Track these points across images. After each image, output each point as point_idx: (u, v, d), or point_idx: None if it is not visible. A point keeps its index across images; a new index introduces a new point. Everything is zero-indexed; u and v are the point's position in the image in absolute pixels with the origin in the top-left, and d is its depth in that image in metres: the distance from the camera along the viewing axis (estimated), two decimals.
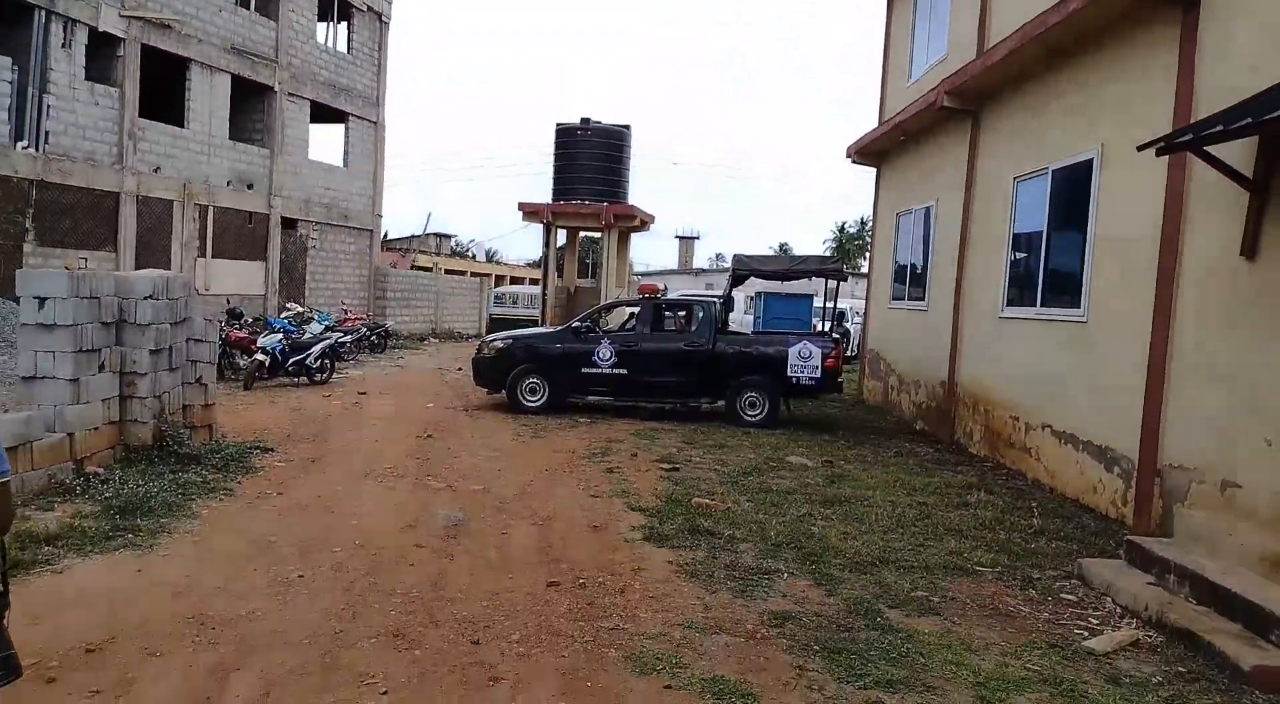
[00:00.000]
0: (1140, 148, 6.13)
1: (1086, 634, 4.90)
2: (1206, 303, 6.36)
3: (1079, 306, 7.94)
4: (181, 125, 19.62)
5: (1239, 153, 6.00)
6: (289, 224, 22.59)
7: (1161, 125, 6.85)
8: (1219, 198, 6.26)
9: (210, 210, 20.13)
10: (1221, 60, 6.40)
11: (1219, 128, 5.42)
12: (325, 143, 37.51)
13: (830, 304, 13.28)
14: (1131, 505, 7.01)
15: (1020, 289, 9.26)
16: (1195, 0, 6.68)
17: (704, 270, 53.87)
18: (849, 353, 22.04)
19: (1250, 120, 5.16)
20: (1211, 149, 5.91)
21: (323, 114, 23.90)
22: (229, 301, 18.64)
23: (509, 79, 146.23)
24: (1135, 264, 7.16)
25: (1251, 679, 4.26)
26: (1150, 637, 4.86)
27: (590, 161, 25.63)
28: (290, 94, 22.07)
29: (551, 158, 26.67)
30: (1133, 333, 7.12)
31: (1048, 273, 8.61)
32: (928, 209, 12.40)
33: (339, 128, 24.94)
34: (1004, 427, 9.33)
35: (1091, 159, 7.90)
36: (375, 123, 25.32)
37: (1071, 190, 8.25)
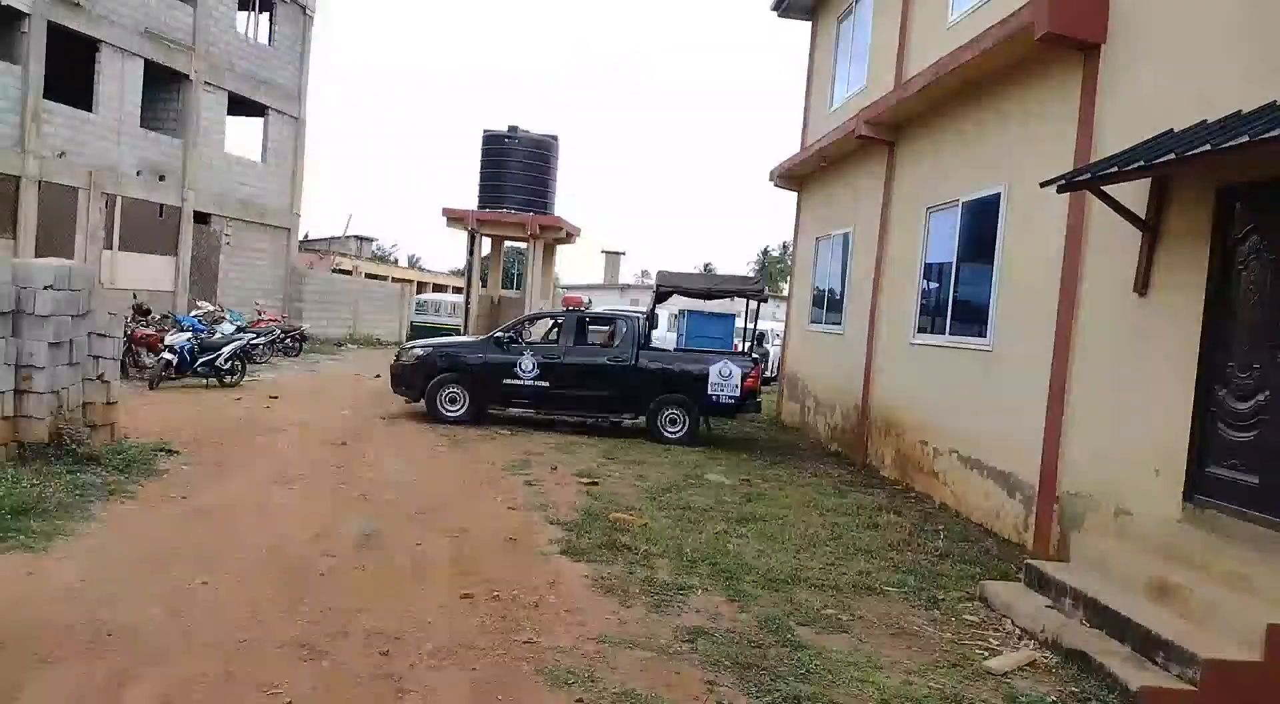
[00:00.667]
0: (1043, 184, 6.43)
1: (986, 654, 5.07)
2: (1101, 336, 6.69)
3: (985, 336, 8.27)
4: (90, 110, 18.80)
5: (1134, 194, 6.35)
6: (202, 219, 21.85)
7: (1065, 164, 7.20)
8: (1114, 236, 6.61)
9: (119, 200, 19.32)
10: (1120, 104, 6.78)
11: (1114, 168, 5.73)
12: (243, 137, 36.47)
13: (751, 325, 13.47)
14: (1032, 530, 7.30)
15: (931, 317, 9.57)
16: (1096, 47, 7.08)
17: (629, 286, 53.99)
18: (768, 374, 22.38)
19: (1142, 162, 5.47)
20: (1109, 189, 6.25)
21: (241, 106, 23.21)
22: (136, 297, 17.84)
23: (438, 81, 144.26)
24: (1038, 296, 7.50)
25: (1139, 700, 4.45)
26: (1047, 657, 5.06)
27: (517, 170, 25.55)
28: (207, 83, 21.37)
29: (478, 165, 26.49)
30: (1035, 363, 7.44)
31: (957, 302, 8.94)
32: (845, 235, 12.73)
33: (258, 122, 24.25)
34: (914, 451, 9.60)
35: (999, 194, 8.25)
36: (296, 118, 24.70)
37: (980, 223, 8.60)
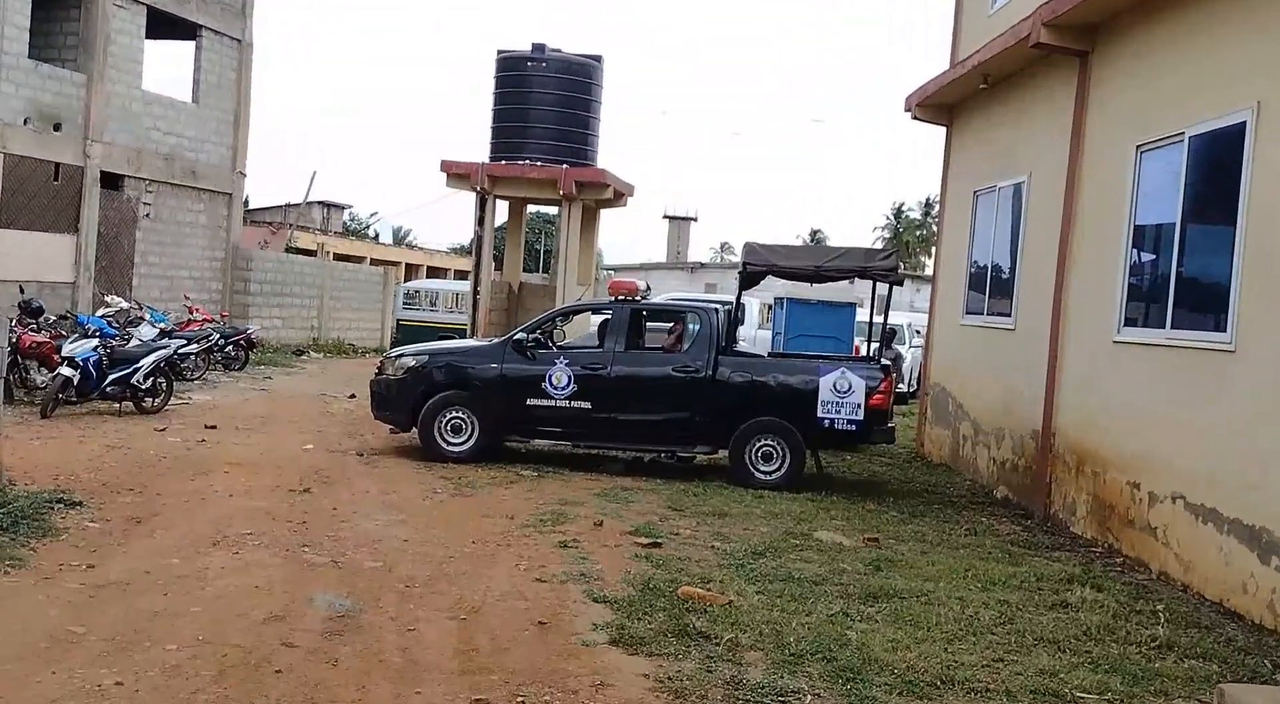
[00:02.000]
0: None
1: None
2: None
3: (1224, 330, 8.09)
4: None
5: None
6: (112, 182, 22.49)
7: None
8: None
9: None
10: None
11: None
12: (168, 69, 37.39)
13: (879, 318, 13.42)
14: None
15: (1145, 304, 9.42)
16: None
17: (703, 265, 54.26)
18: (904, 387, 22.17)
19: None
20: None
21: (165, 27, 23.85)
22: (22, 290, 18.38)
23: None
24: None
25: None
26: None
27: (545, 107, 25.77)
28: None
29: (490, 101, 26.79)
30: None
31: (1183, 282, 8.77)
32: (1017, 187, 12.60)
33: (188, 47, 24.97)
34: (1119, 496, 9.45)
35: (1243, 121, 8.07)
36: (240, 41, 25.35)
37: (1216, 166, 8.42)
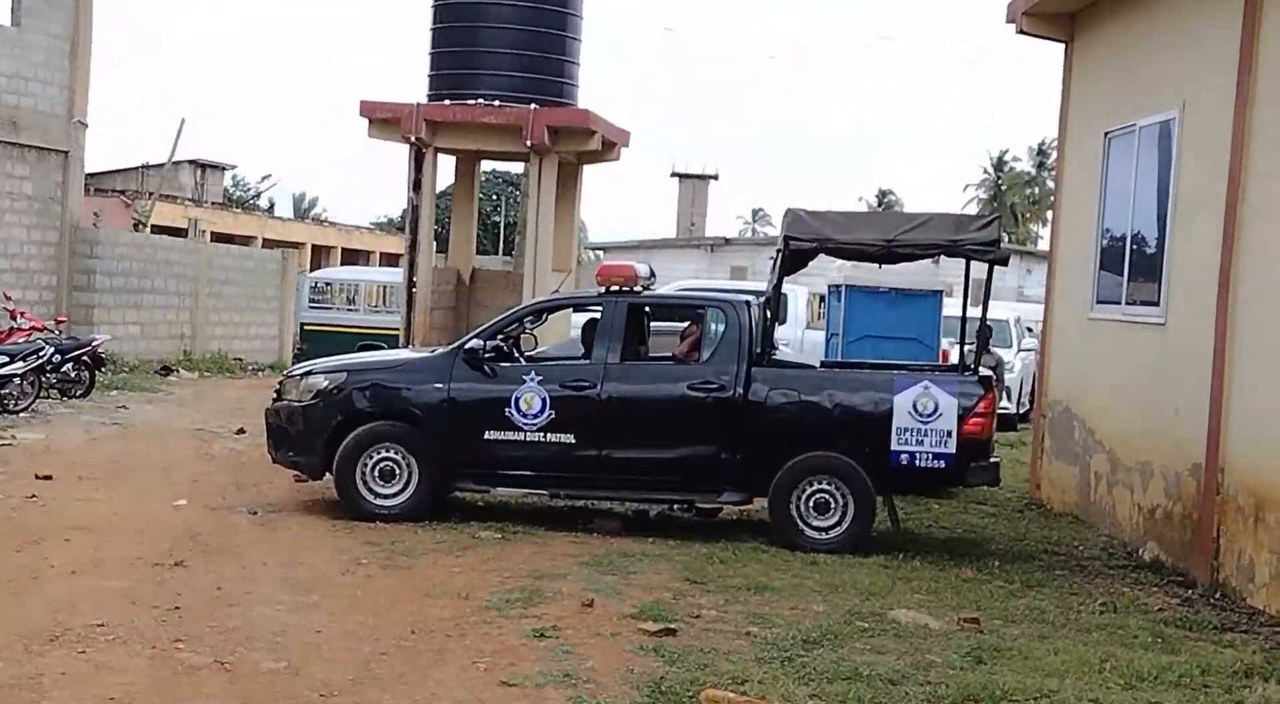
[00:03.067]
0: None
1: None
2: None
3: None
4: None
5: None
6: None
7: None
8: None
9: None
10: None
11: None
12: None
13: (976, 311, 13.41)
14: None
15: None
16: None
17: (727, 242, 54.16)
18: (1011, 407, 22.14)
19: None
20: None
21: None
22: None
23: None
24: None
25: None
26: None
27: (505, 25, 25.70)
28: None
29: (429, 19, 26.76)
30: None
31: None
32: (1164, 125, 12.59)
33: None
34: None
35: None
36: None
37: None
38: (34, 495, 12.57)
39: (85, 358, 21.17)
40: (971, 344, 13.74)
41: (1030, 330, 25.91)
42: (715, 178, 68.53)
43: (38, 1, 24.75)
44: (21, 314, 22.29)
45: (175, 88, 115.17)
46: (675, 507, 12.65)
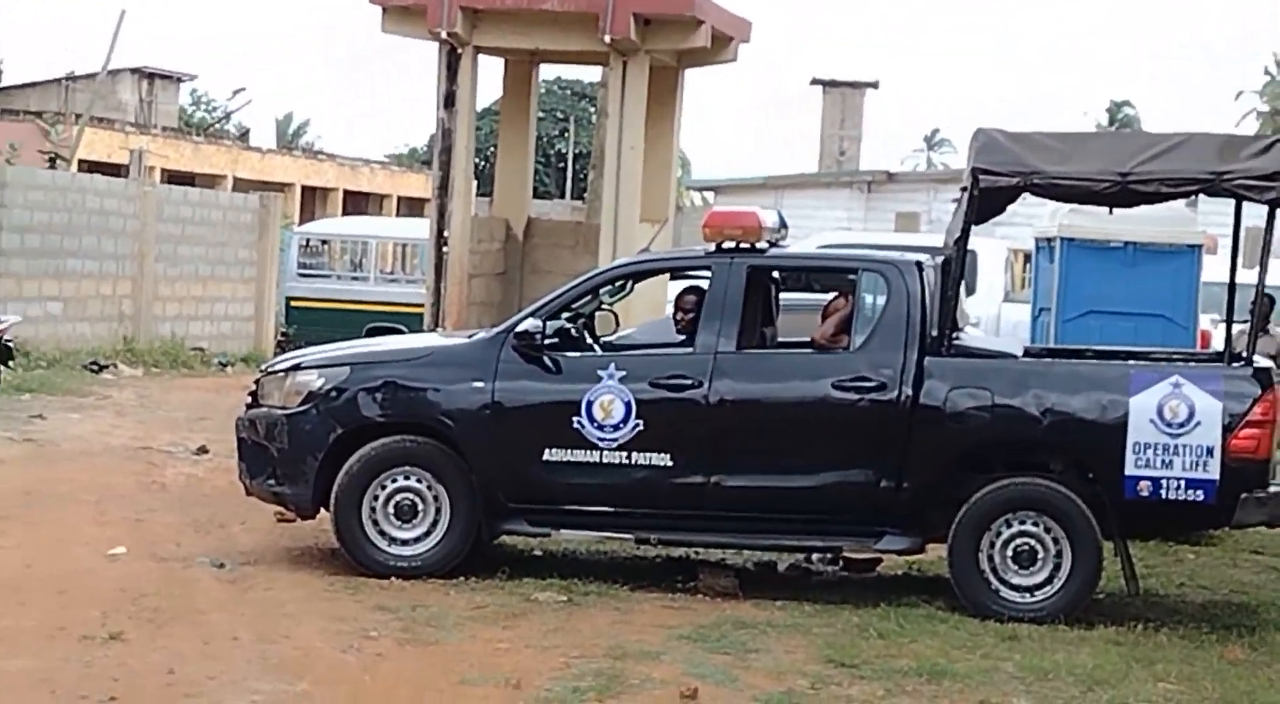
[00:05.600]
0: None
1: None
2: None
3: None
4: None
5: None
6: None
7: None
8: None
9: None
10: None
11: None
12: None
13: (1250, 275, 13.23)
14: None
15: None
16: None
17: (891, 178, 53.59)
18: None
19: None
20: None
21: None
22: None
23: None
24: None
25: None
26: None
27: None
28: None
29: None
30: None
31: None
32: None
33: None
34: None
35: None
36: None
37: None
38: None
39: None
40: (1244, 322, 13.55)
41: None
42: (874, 86, 67.82)
43: None
44: None
45: None
46: (815, 556, 12.59)
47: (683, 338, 12.79)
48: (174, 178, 40.80)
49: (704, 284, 12.72)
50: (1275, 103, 75.00)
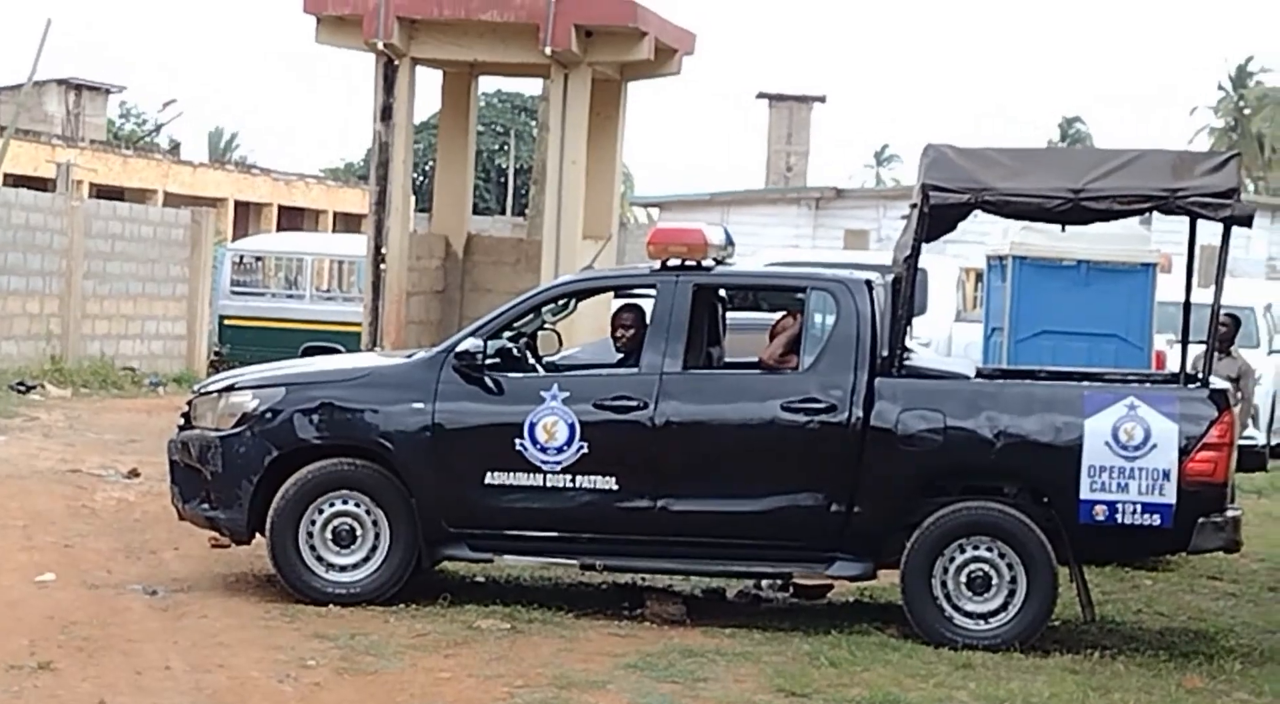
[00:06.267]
0: None
1: None
2: None
3: None
4: None
5: None
6: None
7: None
8: None
9: None
10: None
11: None
12: None
13: (1205, 292, 13.30)
14: None
15: None
16: None
17: (839, 194, 53.85)
18: (1260, 437, 21.95)
19: None
20: None
21: None
22: None
23: None
24: None
25: None
26: None
27: None
28: None
29: None
30: None
31: None
32: None
33: None
34: None
35: None
36: None
37: None
38: None
39: None
40: (1200, 343, 13.63)
41: None
42: (821, 101, 68.17)
43: None
44: None
45: None
46: (764, 582, 12.60)
47: (620, 357, 12.82)
48: (103, 192, 40.67)
49: (643, 302, 12.75)
50: (1228, 118, 75.54)
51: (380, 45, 25.07)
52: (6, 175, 36.83)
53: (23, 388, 26.54)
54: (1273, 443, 23.67)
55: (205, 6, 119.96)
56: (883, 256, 21.43)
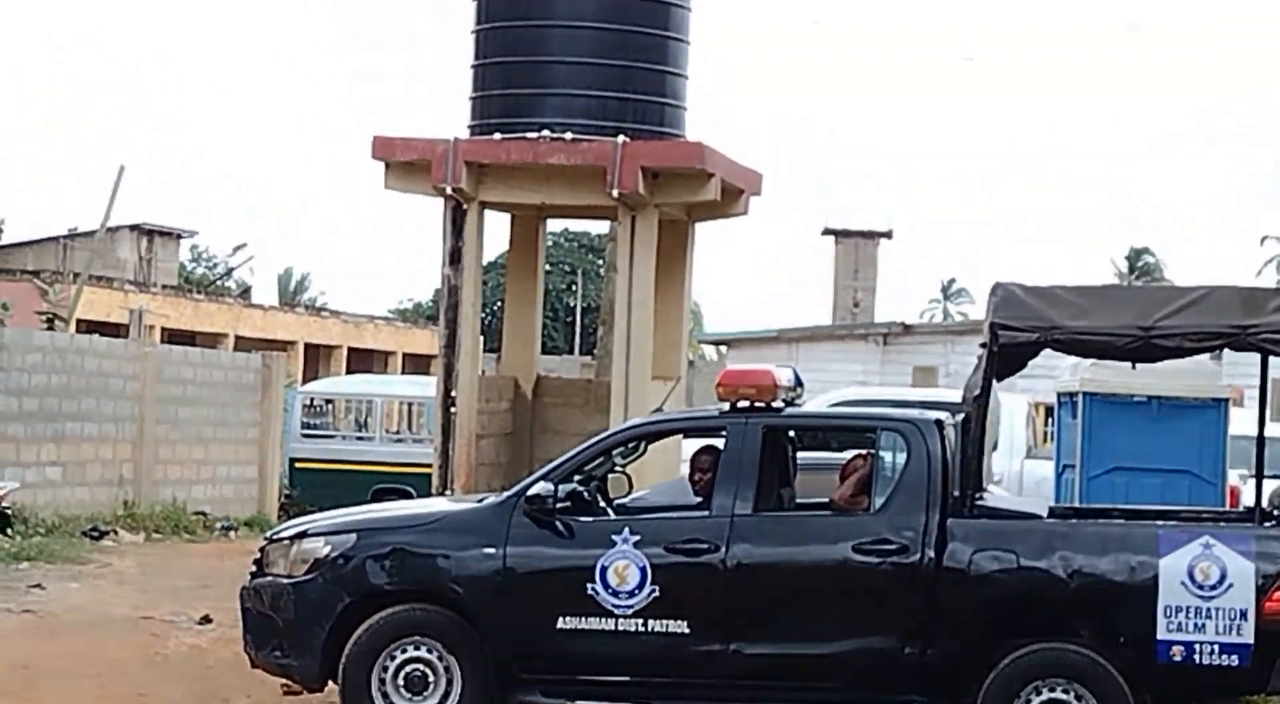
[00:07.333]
0: None
1: None
2: None
3: None
4: None
5: None
6: None
7: None
8: None
9: None
10: None
11: None
12: None
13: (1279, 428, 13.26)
14: None
15: None
16: None
17: (908, 329, 53.74)
18: None
19: None
20: None
21: None
22: None
23: None
24: None
25: None
26: None
27: (576, 24, 25.96)
28: None
29: (470, 20, 27.07)
30: None
31: None
32: None
33: None
34: None
35: None
36: None
37: None
38: None
39: None
40: (1275, 477, 13.57)
41: None
42: (888, 236, 68.44)
43: None
44: None
45: (112, 127, 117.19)
46: None
47: (699, 499, 12.82)
48: (175, 337, 41.01)
49: (719, 443, 12.76)
50: None
51: (449, 190, 25.21)
52: (80, 321, 37.23)
53: (96, 534, 26.61)
54: None
55: (275, 151, 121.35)
56: (952, 393, 21.36)
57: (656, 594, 11.99)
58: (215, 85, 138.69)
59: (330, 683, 12.48)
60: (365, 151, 25.55)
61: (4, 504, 21.84)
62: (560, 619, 12.10)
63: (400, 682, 12.18)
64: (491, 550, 12.27)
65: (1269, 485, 13.46)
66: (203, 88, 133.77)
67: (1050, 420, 22.68)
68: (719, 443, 12.79)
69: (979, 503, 12.57)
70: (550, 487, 12.39)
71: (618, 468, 13.65)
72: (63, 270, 43.71)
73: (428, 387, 28.14)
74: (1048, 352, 12.84)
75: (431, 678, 12.19)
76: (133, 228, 51.82)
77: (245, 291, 62.41)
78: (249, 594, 12.92)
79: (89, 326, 37.46)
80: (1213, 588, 11.52)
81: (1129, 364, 15.17)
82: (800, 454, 13.91)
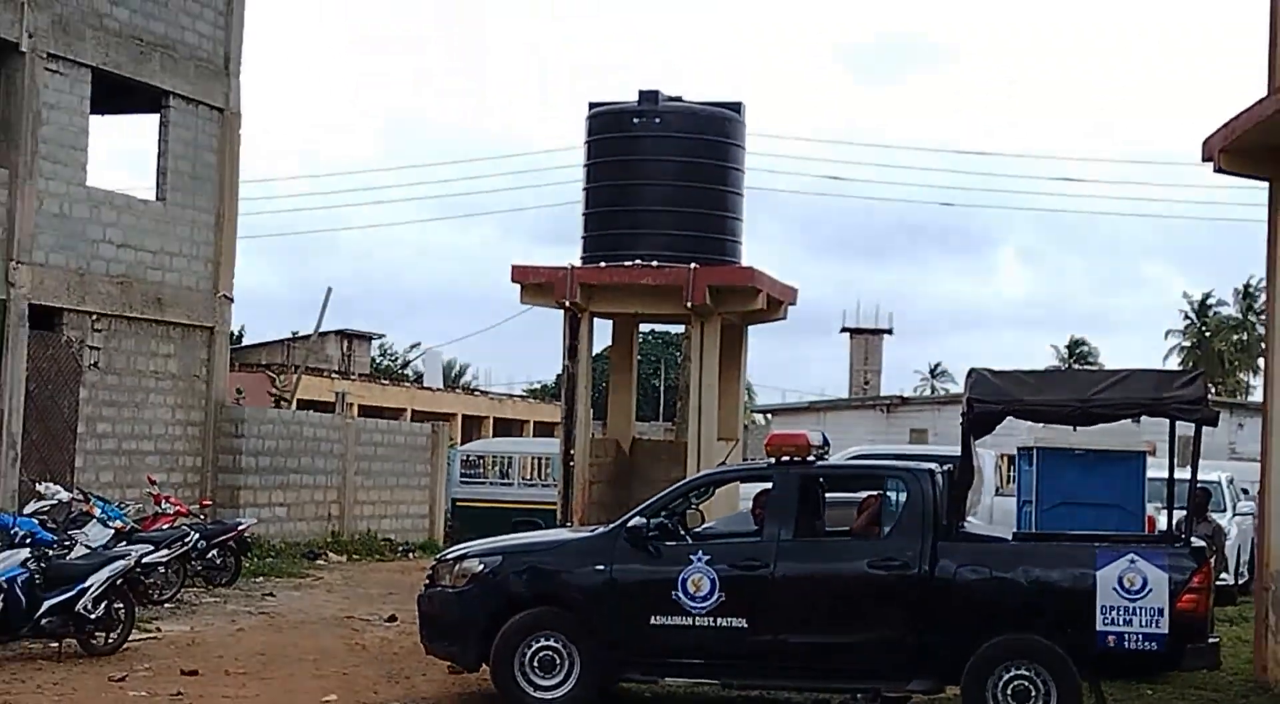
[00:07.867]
0: None
1: None
2: None
3: None
4: None
5: None
6: (45, 319, 23.18)
7: None
8: None
9: None
10: None
11: None
12: (120, 153, 38.97)
13: (1182, 473, 13.20)
14: None
15: None
16: None
17: (905, 400, 53.87)
18: (1229, 578, 21.43)
19: None
20: None
21: (118, 95, 24.76)
22: None
23: (476, 37, 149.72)
24: None
25: None
26: None
27: (662, 182, 26.03)
28: (53, 56, 22.70)
29: (581, 178, 27.26)
30: None
31: None
32: None
33: (147, 121, 25.88)
34: None
35: None
36: (222, 111, 26.34)
37: None
38: (179, 693, 12.80)
39: (230, 543, 21.43)
40: (1181, 509, 13.47)
41: (1246, 492, 25.19)
42: (889, 332, 68.53)
43: (182, 177, 25.53)
44: (166, 499, 22.43)
45: (315, 245, 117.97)
46: (859, 695, 12.50)
47: (755, 528, 12.93)
48: (368, 411, 41.13)
49: (769, 487, 12.89)
50: (1193, 340, 74.80)
51: (568, 303, 25.43)
52: (300, 401, 37.46)
53: (311, 555, 26.77)
54: (1239, 582, 23.10)
55: (442, 276, 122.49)
56: (940, 449, 21.31)
57: (723, 599, 12.18)
58: (399, 237, 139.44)
59: (484, 665, 12.65)
60: (506, 276, 25.81)
61: (246, 534, 21.95)
62: (652, 617, 12.30)
63: (535, 664, 12.36)
64: (601, 567, 12.51)
65: (1177, 515, 13.42)
66: (393, 236, 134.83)
67: (1012, 468, 22.52)
68: (769, 486, 12.91)
69: (961, 530, 12.73)
70: (644, 520, 12.69)
71: (694, 505, 13.74)
72: (287, 364, 43.99)
73: (553, 446, 28.19)
74: (1010, 418, 12.91)
75: (558, 661, 12.36)
76: (337, 332, 52.12)
77: (419, 378, 62.63)
78: (424, 600, 13.20)
79: (306, 405, 37.62)
80: (1137, 592, 11.61)
81: (1071, 427, 15.10)
82: (828, 494, 13.92)
